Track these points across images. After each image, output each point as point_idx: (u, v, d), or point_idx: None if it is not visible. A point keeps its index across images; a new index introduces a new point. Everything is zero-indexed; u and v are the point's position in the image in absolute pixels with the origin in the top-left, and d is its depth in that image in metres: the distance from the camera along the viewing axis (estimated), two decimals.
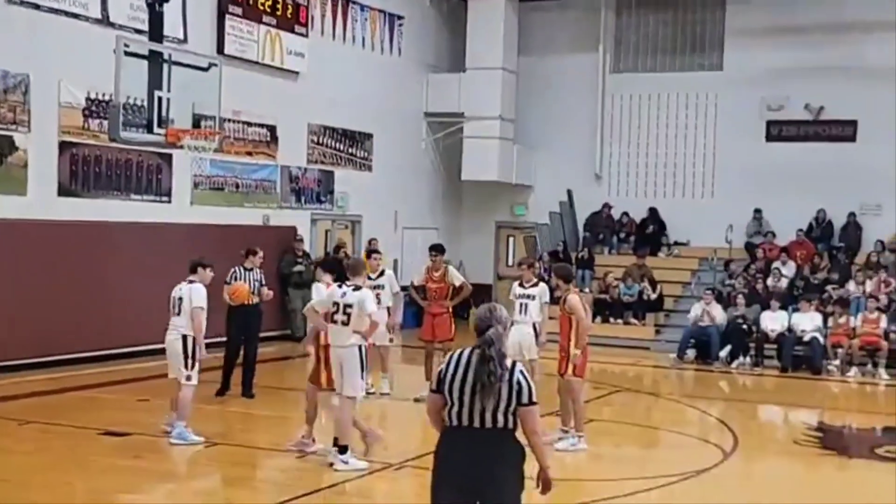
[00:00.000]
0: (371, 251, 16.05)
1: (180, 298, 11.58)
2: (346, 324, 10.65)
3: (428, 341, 15.11)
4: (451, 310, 15.19)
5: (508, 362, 5.89)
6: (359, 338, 10.67)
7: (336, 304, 10.73)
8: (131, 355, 16.57)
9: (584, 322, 11.83)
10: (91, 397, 14.47)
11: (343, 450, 10.58)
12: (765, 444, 13.59)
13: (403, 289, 15.61)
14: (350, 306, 10.66)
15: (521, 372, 5.91)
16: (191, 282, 11.70)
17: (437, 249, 15.51)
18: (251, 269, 14.77)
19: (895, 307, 20.04)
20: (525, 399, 5.85)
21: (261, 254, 14.99)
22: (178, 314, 11.52)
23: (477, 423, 5.85)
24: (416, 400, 13.57)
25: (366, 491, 10.19)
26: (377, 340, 14.61)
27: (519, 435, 5.93)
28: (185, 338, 11.40)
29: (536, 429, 5.93)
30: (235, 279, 14.33)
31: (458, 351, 6.01)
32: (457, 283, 15.37)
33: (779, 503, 10.14)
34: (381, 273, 15.14)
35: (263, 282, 14.95)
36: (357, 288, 10.85)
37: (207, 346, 11.71)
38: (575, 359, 11.76)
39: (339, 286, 11.01)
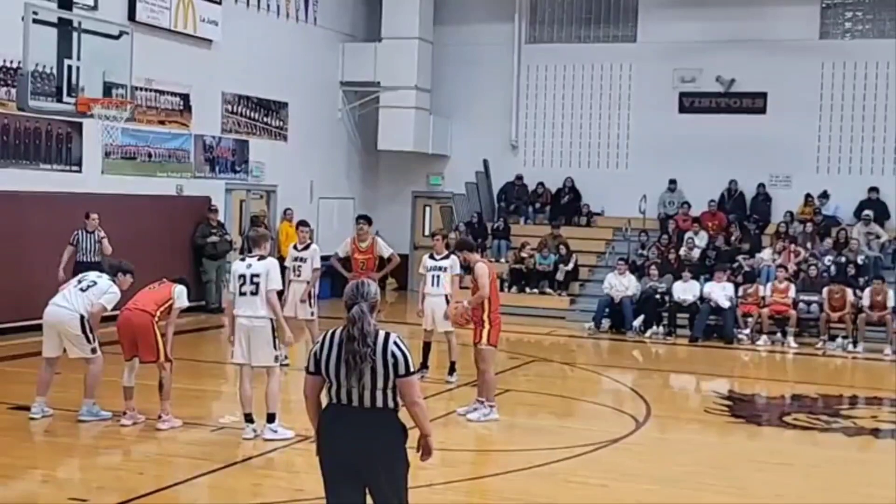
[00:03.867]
0: (300, 223, 15.82)
1: (94, 282, 11.28)
2: (255, 293, 10.61)
3: None
4: (377, 281, 15.03)
5: (381, 335, 5.81)
6: (269, 310, 10.64)
7: (242, 276, 10.68)
8: (41, 328, 16.30)
9: (482, 291, 11.85)
10: (0, 370, 14.21)
11: (271, 418, 10.61)
12: (677, 412, 13.78)
13: (324, 259, 15.43)
14: (257, 275, 10.64)
15: (396, 343, 5.81)
16: (113, 280, 11.37)
17: (364, 219, 15.35)
18: (92, 232, 16.47)
19: (803, 277, 20.42)
20: (402, 370, 5.78)
21: (94, 216, 16.57)
22: (84, 291, 11.19)
23: (356, 403, 5.78)
24: None
25: (281, 464, 10.14)
26: (300, 314, 14.57)
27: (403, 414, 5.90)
28: (82, 318, 11.10)
29: (416, 399, 5.85)
30: (77, 241, 16.35)
31: (331, 330, 5.94)
32: (385, 255, 15.31)
33: (690, 471, 10.29)
34: (307, 246, 14.86)
35: (104, 237, 16.47)
36: (262, 258, 10.83)
37: None
38: (460, 308, 12.04)
39: (242, 259, 10.98)
